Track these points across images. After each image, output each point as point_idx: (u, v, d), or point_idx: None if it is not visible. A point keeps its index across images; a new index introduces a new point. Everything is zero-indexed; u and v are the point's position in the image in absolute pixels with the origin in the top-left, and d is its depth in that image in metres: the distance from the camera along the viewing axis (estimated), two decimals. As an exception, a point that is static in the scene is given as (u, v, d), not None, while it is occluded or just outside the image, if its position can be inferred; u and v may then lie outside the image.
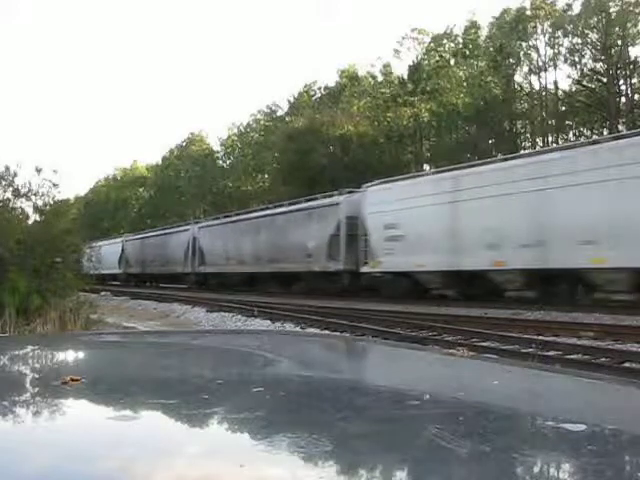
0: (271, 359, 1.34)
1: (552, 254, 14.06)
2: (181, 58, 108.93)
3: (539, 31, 38.63)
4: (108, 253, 40.25)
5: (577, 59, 37.46)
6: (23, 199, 11.53)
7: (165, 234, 36.93)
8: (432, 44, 42.97)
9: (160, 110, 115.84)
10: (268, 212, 26.69)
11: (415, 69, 41.42)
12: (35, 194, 11.47)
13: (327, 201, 22.71)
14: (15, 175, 11.54)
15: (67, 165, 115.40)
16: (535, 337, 9.25)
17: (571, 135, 39.07)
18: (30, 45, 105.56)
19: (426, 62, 42.00)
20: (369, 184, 20.34)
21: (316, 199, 23.78)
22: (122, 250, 41.30)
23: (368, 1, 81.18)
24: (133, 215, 64.87)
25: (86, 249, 14.70)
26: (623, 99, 36.49)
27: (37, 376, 1.12)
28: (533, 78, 40.08)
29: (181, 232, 34.53)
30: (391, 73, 45.32)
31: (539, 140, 40.00)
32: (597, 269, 13.28)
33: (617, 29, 34.85)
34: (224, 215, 32.14)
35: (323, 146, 40.30)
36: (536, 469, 0.66)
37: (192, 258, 31.63)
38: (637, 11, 34.34)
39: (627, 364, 7.06)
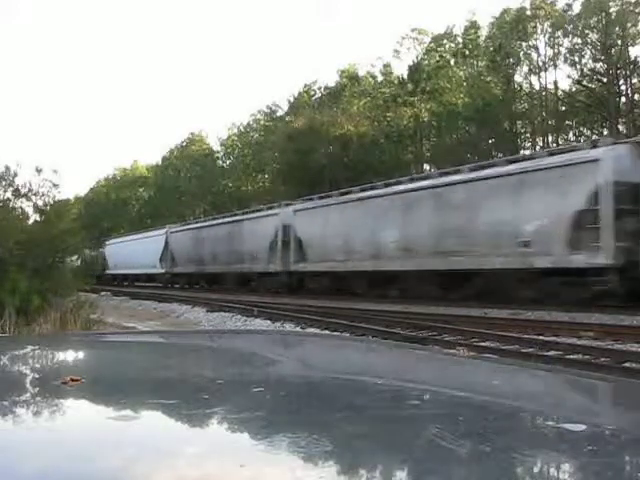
0: (271, 359, 1.34)
1: None
2: (181, 58, 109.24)
3: (539, 31, 38.72)
4: (143, 249, 35.01)
5: (577, 59, 37.53)
6: (23, 199, 11.54)
7: (235, 222, 28.60)
8: (432, 44, 43.04)
9: (160, 110, 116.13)
10: (430, 182, 18.66)
11: (415, 69, 41.48)
12: (35, 194, 11.48)
13: (562, 158, 14.31)
14: (15, 175, 11.56)
15: (67, 165, 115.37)
16: (535, 337, 9.25)
17: (571, 135, 39.11)
18: (30, 45, 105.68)
19: (426, 62, 42.06)
20: None
21: (530, 158, 16.28)
22: (165, 244, 34.11)
23: (368, 1, 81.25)
24: (133, 215, 64.88)
25: (86, 249, 14.67)
26: (623, 99, 36.51)
27: (37, 376, 1.12)
28: (533, 78, 40.21)
29: (263, 218, 26.17)
30: (391, 73, 45.41)
31: (539, 140, 40.04)
32: None
33: (617, 29, 34.86)
34: (340, 192, 22.86)
35: (323, 146, 40.36)
36: (536, 469, 0.66)
37: (283, 253, 24.00)
38: (637, 11, 34.35)
39: (627, 364, 7.05)
